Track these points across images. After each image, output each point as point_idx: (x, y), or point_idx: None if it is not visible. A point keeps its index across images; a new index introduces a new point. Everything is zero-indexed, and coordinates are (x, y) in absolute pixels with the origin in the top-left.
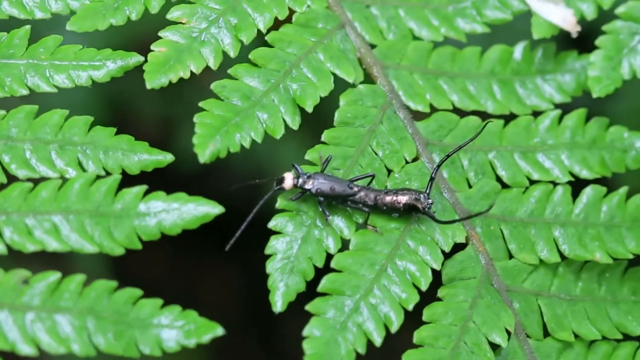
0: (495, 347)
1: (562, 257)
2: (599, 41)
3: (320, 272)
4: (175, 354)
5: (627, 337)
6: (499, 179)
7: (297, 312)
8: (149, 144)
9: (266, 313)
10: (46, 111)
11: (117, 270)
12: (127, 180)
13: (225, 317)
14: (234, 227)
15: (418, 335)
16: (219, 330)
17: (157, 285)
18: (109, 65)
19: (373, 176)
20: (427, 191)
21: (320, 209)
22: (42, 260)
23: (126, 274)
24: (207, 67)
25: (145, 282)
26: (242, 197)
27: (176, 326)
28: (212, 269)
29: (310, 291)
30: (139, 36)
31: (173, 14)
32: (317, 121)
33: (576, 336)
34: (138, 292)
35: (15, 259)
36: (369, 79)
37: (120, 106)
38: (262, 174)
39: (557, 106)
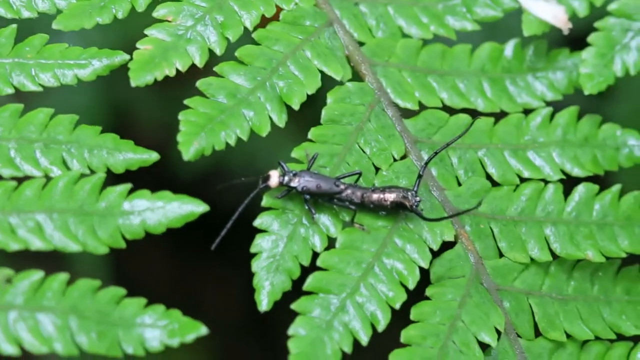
0: (485, 347)
1: (554, 256)
2: (591, 38)
3: (306, 271)
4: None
5: (620, 337)
6: (489, 177)
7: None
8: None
9: (268, 316)
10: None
11: (118, 275)
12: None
13: (228, 321)
14: (237, 232)
15: (405, 335)
16: (203, 330)
17: (160, 290)
18: (94, 64)
19: (360, 174)
20: (415, 189)
21: (307, 207)
22: (46, 264)
23: (127, 280)
24: (203, 70)
25: (147, 287)
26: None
27: (159, 325)
28: (214, 272)
29: (300, 291)
30: (129, 35)
31: (159, 12)
32: (309, 119)
33: (568, 336)
34: (121, 291)
35: (19, 259)
36: (357, 76)
37: (121, 112)
38: None
39: (549, 104)
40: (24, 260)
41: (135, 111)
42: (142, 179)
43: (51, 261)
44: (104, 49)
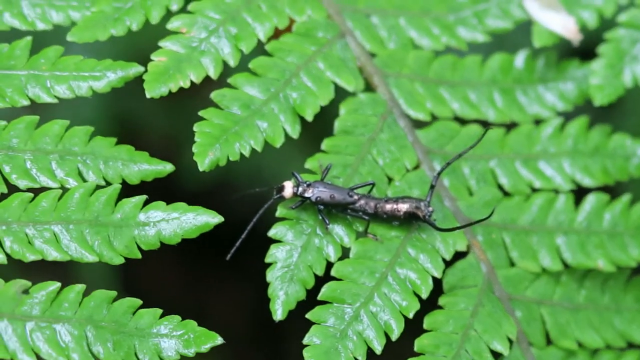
0: (497, 355)
1: (565, 265)
2: (600, 49)
3: (320, 281)
4: None
5: (631, 346)
6: (500, 188)
7: (307, 326)
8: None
9: (279, 326)
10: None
11: (128, 287)
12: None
13: (236, 332)
14: (248, 243)
15: (419, 344)
16: (219, 340)
17: (170, 301)
18: (109, 76)
19: (373, 184)
20: (428, 199)
21: (320, 217)
22: (54, 273)
23: (136, 290)
24: (210, 81)
25: (157, 298)
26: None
27: (175, 335)
28: (225, 284)
29: (314, 300)
30: (142, 47)
31: (173, 24)
32: (317, 130)
33: (579, 344)
34: (137, 301)
35: (28, 269)
36: (369, 87)
37: (129, 124)
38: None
39: (560, 115)
40: (32, 270)
41: (142, 123)
42: (150, 192)
43: (57, 271)
44: (119, 61)
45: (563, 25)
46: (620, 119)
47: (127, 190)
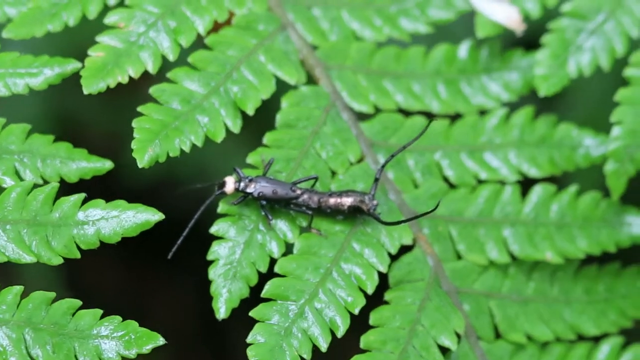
0: (445, 350)
1: (513, 257)
2: (544, 39)
3: (264, 278)
4: None
5: (581, 338)
6: (446, 180)
7: (252, 323)
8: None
9: (223, 325)
10: None
11: (69, 285)
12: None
13: (183, 331)
14: (190, 241)
15: (365, 340)
16: (160, 340)
17: (111, 300)
18: (46, 72)
19: (316, 178)
20: (372, 192)
21: (263, 213)
22: None
23: (77, 289)
24: (150, 76)
25: (98, 297)
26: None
27: (116, 337)
28: (167, 282)
29: (258, 298)
30: (80, 43)
31: (110, 19)
32: (259, 124)
33: (529, 338)
34: (77, 302)
35: None
36: (311, 80)
37: (70, 122)
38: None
39: (504, 105)
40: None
41: (83, 120)
42: (91, 189)
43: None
44: (56, 57)
45: (506, 16)
46: (566, 109)
47: (68, 188)
